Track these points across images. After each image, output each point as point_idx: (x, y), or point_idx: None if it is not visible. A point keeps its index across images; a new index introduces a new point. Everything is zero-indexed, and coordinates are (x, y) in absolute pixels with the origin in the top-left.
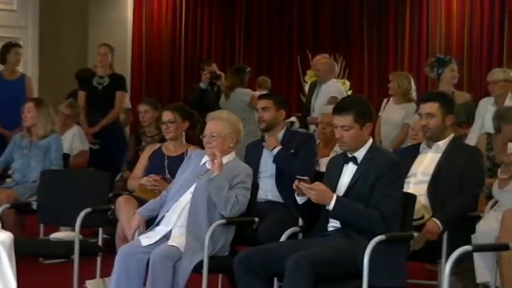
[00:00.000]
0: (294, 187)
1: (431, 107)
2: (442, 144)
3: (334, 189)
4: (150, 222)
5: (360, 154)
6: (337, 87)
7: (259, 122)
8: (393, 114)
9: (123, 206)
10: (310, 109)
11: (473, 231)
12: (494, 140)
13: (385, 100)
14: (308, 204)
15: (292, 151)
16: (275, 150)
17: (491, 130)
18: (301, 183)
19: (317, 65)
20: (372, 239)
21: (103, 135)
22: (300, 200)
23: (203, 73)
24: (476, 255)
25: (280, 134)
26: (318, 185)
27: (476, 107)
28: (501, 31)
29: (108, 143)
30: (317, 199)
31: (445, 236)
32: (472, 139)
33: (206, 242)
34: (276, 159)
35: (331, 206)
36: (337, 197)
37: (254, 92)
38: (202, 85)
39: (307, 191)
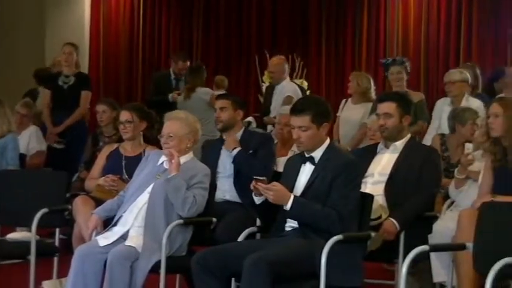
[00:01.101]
0: (252, 187)
1: (388, 107)
2: (399, 144)
3: (291, 189)
4: (108, 223)
5: (317, 154)
6: (292, 87)
7: (216, 122)
8: (352, 114)
9: (80, 207)
10: (267, 109)
11: (430, 231)
12: (449, 140)
13: (344, 100)
14: (265, 204)
15: (250, 151)
16: (234, 151)
17: (447, 130)
18: (259, 183)
19: (270, 67)
20: (329, 239)
21: (67, 134)
22: (257, 200)
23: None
24: (433, 255)
25: (238, 135)
26: (275, 185)
27: (427, 107)
28: (458, 32)
29: (72, 143)
30: (274, 199)
31: (402, 236)
32: (428, 140)
33: (164, 242)
34: (235, 160)
35: (288, 206)
36: (295, 197)
37: (214, 91)
38: (170, 98)
39: (265, 192)
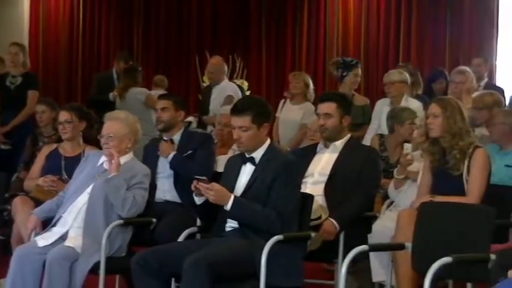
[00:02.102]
0: (193, 188)
1: (328, 107)
2: (339, 144)
3: (232, 189)
4: (47, 223)
5: (257, 154)
6: (232, 86)
7: (157, 122)
8: (291, 115)
9: (19, 207)
10: (206, 109)
11: (370, 231)
12: (388, 141)
13: (282, 101)
14: (206, 204)
15: (190, 151)
16: (170, 157)
17: (387, 131)
18: (200, 183)
19: (209, 68)
20: (269, 239)
21: (14, 135)
22: (198, 200)
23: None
24: (372, 254)
25: (178, 135)
26: (214, 185)
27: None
28: (397, 33)
29: (18, 143)
30: (215, 199)
31: (341, 236)
32: (368, 140)
33: (103, 243)
34: (172, 165)
35: (228, 207)
36: (235, 197)
37: (149, 91)
38: (110, 97)
39: (205, 191)
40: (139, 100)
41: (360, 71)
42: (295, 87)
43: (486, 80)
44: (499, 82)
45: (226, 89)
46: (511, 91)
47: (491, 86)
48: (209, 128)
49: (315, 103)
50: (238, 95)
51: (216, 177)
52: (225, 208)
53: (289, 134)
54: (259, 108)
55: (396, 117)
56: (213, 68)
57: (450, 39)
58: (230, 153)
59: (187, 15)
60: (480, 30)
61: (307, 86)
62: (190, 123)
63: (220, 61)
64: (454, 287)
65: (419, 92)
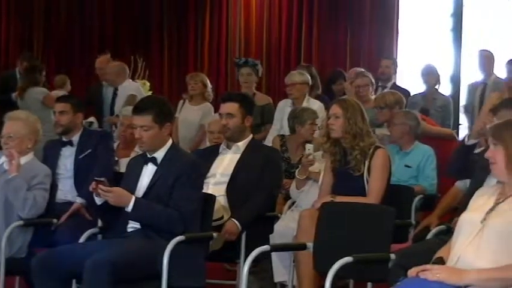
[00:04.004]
0: (91, 189)
1: (231, 107)
2: (241, 145)
3: (133, 190)
4: None
5: (159, 155)
6: (135, 86)
7: (56, 125)
8: (190, 116)
9: None
10: (101, 109)
11: (271, 231)
12: (289, 141)
13: (181, 102)
14: (107, 205)
15: (89, 150)
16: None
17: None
18: (99, 185)
19: (106, 69)
20: (171, 239)
21: None
22: (98, 200)
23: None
24: (273, 254)
25: (77, 136)
26: (113, 188)
27: (275, 110)
28: (299, 34)
29: None
30: (115, 202)
31: (243, 236)
32: (270, 141)
33: (3, 244)
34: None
35: (129, 208)
36: (136, 198)
37: (48, 91)
38: (13, 97)
39: (104, 195)
40: (38, 100)
41: (246, 70)
42: (194, 88)
43: (393, 81)
44: (398, 84)
45: (129, 89)
46: (411, 92)
47: (398, 87)
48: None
49: (214, 103)
50: (141, 94)
51: (118, 177)
52: (126, 210)
53: (188, 135)
54: (161, 107)
55: (297, 117)
56: (112, 68)
57: (351, 40)
58: (133, 155)
59: (88, 16)
60: (380, 32)
61: (205, 86)
62: (91, 123)
63: (107, 59)
64: (354, 286)
65: (319, 92)
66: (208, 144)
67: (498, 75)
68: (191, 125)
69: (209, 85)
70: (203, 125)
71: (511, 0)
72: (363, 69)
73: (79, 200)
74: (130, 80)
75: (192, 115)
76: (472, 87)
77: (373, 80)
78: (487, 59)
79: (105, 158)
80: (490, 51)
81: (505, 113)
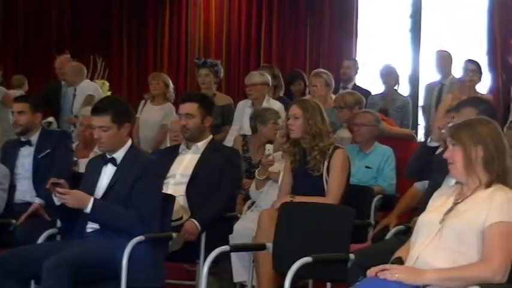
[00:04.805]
0: (47, 188)
1: (190, 107)
2: (201, 145)
3: (93, 190)
4: None
5: (119, 155)
6: (93, 86)
7: (14, 126)
8: (151, 116)
9: None
10: (60, 109)
11: (231, 232)
12: (251, 141)
13: (142, 102)
14: (65, 205)
15: (48, 150)
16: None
17: (249, 132)
18: (57, 188)
19: (66, 68)
20: (130, 239)
21: None
22: (57, 201)
23: None
24: (233, 255)
25: (36, 136)
26: (70, 190)
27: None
28: (258, 35)
29: None
30: (73, 204)
31: (203, 237)
32: (230, 141)
33: None
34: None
35: (88, 210)
36: (95, 200)
37: (6, 90)
38: None
39: (62, 197)
40: None
41: (204, 71)
42: (155, 88)
43: (354, 82)
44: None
45: (87, 89)
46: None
47: (359, 88)
48: (70, 127)
49: (175, 103)
50: (99, 94)
51: (77, 178)
52: (85, 211)
53: (150, 135)
54: (120, 108)
55: (259, 117)
56: (69, 68)
57: (311, 41)
58: (92, 156)
59: (46, 15)
60: (340, 33)
61: (167, 86)
62: (51, 123)
63: (70, 62)
64: (313, 286)
65: (281, 94)
66: (169, 144)
67: (455, 76)
68: (153, 125)
69: (171, 85)
70: (165, 125)
71: None
72: (322, 69)
73: (38, 201)
74: (89, 80)
75: (154, 115)
76: (430, 88)
77: (329, 81)
78: (444, 60)
79: (63, 159)
80: (447, 52)
81: (467, 110)
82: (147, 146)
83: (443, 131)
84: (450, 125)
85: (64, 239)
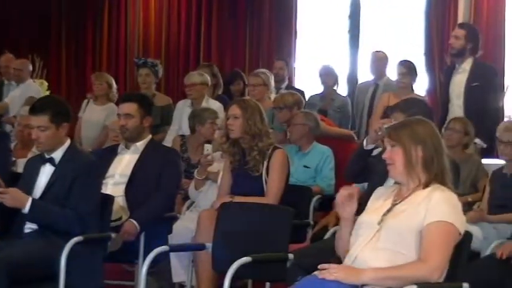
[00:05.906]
0: None
1: (129, 107)
2: (140, 145)
3: (31, 190)
4: None
5: (57, 155)
6: (35, 88)
7: None
8: (94, 116)
9: None
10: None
11: (170, 232)
12: (189, 141)
13: (85, 101)
14: (2, 206)
15: None
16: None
17: (188, 132)
18: None
19: (12, 65)
20: (68, 240)
21: None
22: None
23: None
24: (172, 255)
25: None
26: (6, 191)
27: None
28: (198, 35)
29: None
30: (11, 203)
31: (142, 237)
32: (169, 141)
33: None
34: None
35: (26, 210)
36: (33, 200)
37: None
38: None
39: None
40: None
41: (145, 71)
42: (99, 88)
43: (287, 82)
44: (297, 84)
45: (29, 90)
46: (309, 93)
47: (292, 88)
48: (9, 127)
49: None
50: (40, 95)
51: (15, 178)
52: (22, 211)
53: (92, 135)
54: (58, 107)
55: (197, 117)
56: (20, 65)
57: (250, 41)
58: (30, 155)
59: None
60: (279, 33)
61: (110, 86)
62: None
63: (15, 60)
64: (253, 286)
65: (220, 92)
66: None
67: (390, 77)
68: (95, 125)
69: (114, 86)
70: (107, 125)
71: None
72: (261, 70)
73: None
74: (32, 81)
75: (96, 115)
76: (363, 87)
77: (267, 81)
78: (379, 61)
79: (2, 158)
80: (383, 53)
81: (397, 115)
82: (89, 146)
83: (379, 133)
84: (386, 126)
85: (2, 239)
